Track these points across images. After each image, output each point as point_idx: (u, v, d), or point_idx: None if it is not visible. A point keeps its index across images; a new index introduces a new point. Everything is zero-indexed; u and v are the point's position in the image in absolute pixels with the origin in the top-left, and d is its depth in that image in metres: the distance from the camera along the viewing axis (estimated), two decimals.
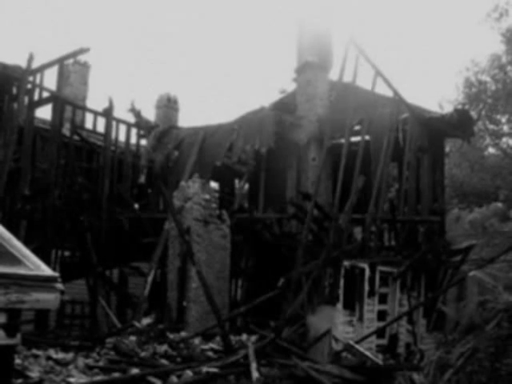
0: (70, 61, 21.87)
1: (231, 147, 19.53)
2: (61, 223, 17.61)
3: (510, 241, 19.04)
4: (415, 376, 12.97)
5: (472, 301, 17.09)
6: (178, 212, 15.23)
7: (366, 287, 15.83)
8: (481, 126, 30.95)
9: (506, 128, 32.07)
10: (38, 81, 17.74)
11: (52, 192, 17.25)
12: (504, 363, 13.36)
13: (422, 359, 15.04)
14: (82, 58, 22.76)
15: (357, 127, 18.24)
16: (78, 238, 17.69)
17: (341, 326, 14.95)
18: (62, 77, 18.20)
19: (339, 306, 15.10)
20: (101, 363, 11.19)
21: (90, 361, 11.23)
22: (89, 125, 21.18)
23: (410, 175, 18.34)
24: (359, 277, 15.76)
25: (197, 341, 13.27)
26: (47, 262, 14.37)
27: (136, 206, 20.86)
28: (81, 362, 10.98)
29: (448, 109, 24.94)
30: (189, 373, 10.49)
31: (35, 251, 6.84)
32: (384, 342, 16.25)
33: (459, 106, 27.50)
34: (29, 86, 17.34)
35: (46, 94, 18.00)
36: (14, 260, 5.98)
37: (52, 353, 11.50)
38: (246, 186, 20.80)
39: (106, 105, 19.92)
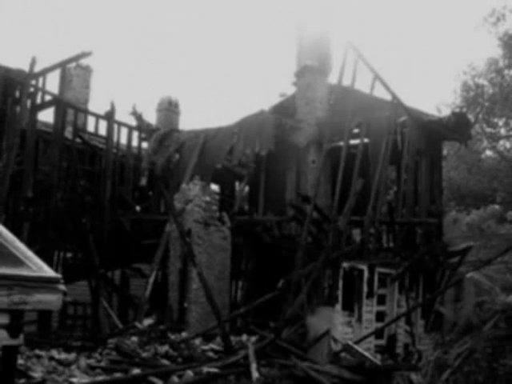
0: (73, 65, 21.90)
1: (231, 150, 19.55)
2: (63, 225, 17.65)
3: (507, 243, 19.13)
4: (413, 376, 13.14)
5: (469, 302, 17.28)
6: (179, 214, 15.31)
7: (365, 288, 15.94)
8: (478, 129, 31.00)
9: (502, 131, 32.10)
10: (40, 84, 17.75)
11: (54, 194, 17.30)
12: (501, 363, 13.52)
13: (420, 359, 15.20)
14: (84, 61, 22.71)
15: (356, 130, 18.35)
16: (80, 240, 17.69)
17: (340, 327, 15.07)
18: (64, 80, 18.26)
19: (338, 306, 15.22)
20: (103, 363, 11.22)
21: (92, 361, 11.27)
22: (91, 128, 21.19)
23: (408, 178, 18.41)
24: (358, 278, 15.88)
25: (197, 341, 13.35)
26: (50, 263, 14.41)
27: (137, 208, 20.94)
28: (83, 362, 11.02)
29: (446, 112, 24.98)
30: (190, 373, 10.57)
31: (38, 253, 6.89)
32: (382, 342, 16.36)
33: (457, 110, 27.74)
34: (31, 89, 17.36)
35: (48, 98, 18.04)
36: (17, 261, 6.06)
37: (54, 353, 11.55)
38: (246, 189, 20.85)
39: (107, 108, 20.06)
